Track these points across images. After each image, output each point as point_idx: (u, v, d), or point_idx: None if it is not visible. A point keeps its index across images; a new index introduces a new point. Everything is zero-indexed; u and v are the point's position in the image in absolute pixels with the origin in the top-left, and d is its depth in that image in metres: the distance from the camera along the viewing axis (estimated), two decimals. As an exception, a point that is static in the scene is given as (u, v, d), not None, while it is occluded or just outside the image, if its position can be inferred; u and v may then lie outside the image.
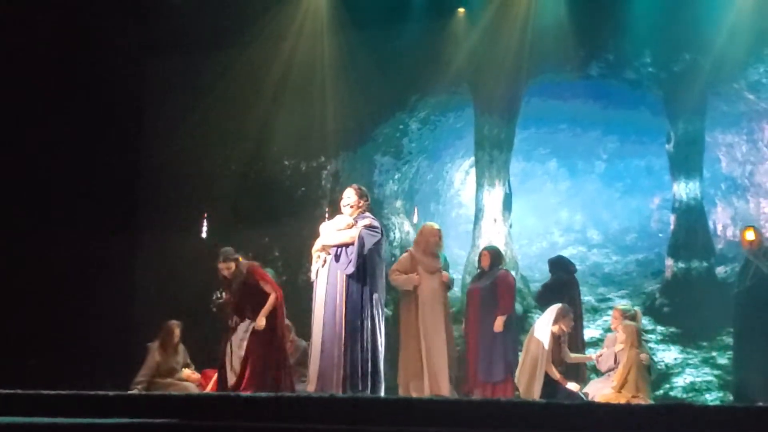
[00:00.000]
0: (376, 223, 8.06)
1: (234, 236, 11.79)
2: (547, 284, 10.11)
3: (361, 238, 7.89)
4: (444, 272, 8.90)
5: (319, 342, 7.94)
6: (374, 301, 7.89)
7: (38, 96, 10.24)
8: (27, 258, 9.92)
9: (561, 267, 10.11)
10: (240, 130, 12.13)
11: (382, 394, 7.80)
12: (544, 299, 9.83)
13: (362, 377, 7.71)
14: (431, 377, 8.59)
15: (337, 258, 7.96)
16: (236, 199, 12.14)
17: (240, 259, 8.76)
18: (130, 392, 8.07)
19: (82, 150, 10.53)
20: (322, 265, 8.08)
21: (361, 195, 8.19)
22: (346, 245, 7.93)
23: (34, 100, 10.19)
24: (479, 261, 9.73)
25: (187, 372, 9.15)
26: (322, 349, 7.88)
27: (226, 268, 8.62)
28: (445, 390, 8.60)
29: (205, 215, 10.99)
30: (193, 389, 8.88)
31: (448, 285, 8.93)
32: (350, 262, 7.87)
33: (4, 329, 9.52)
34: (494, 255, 9.58)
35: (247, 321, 8.51)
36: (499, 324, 9.08)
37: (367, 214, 8.14)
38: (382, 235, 8.08)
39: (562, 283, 9.87)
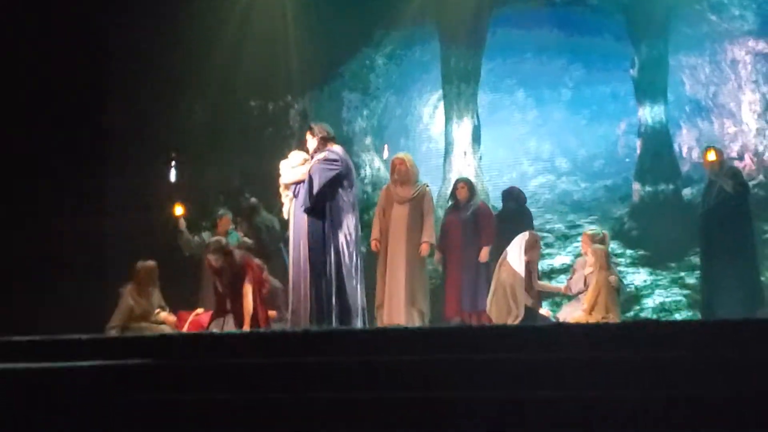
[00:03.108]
0: (332, 156, 7.91)
1: (204, 180, 11.79)
2: (499, 215, 10.16)
3: (310, 174, 7.84)
4: (424, 242, 8.99)
5: (291, 281, 8.00)
6: (339, 235, 7.84)
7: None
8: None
9: (511, 198, 10.15)
10: (204, 73, 12.01)
11: (358, 326, 7.86)
12: (498, 230, 9.86)
13: (327, 311, 7.75)
14: (388, 305, 8.83)
15: (296, 195, 7.95)
16: (204, 143, 12.08)
17: (231, 250, 8.67)
18: (103, 335, 8.07)
19: (49, 98, 10.42)
20: (290, 204, 8.10)
21: (315, 133, 8.10)
22: (302, 182, 7.90)
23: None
24: (453, 193, 9.82)
25: (163, 315, 9.13)
26: (293, 287, 7.94)
27: (215, 260, 8.56)
28: (401, 320, 8.79)
29: (174, 159, 10.93)
30: (169, 332, 8.88)
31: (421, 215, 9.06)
32: (305, 199, 7.84)
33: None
34: (470, 187, 9.77)
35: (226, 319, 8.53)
36: (485, 254, 9.31)
37: (329, 147, 8.03)
38: (345, 167, 7.97)
39: (512, 213, 9.92)
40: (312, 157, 8.02)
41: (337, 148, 8.08)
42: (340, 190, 7.92)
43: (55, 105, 10.56)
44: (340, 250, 7.84)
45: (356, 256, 8.00)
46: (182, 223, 9.99)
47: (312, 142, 8.09)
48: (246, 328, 8.27)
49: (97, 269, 10.31)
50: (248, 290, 8.43)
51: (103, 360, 5.67)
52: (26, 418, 5.09)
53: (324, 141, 8.06)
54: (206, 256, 8.74)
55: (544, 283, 9.33)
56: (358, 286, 7.98)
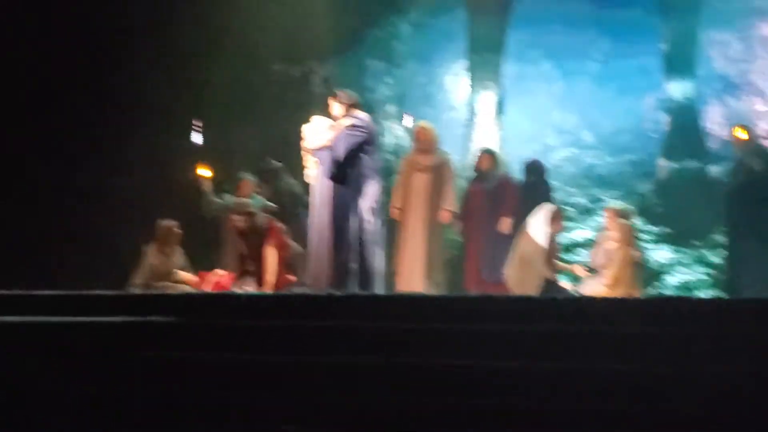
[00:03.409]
0: (358, 123, 7.86)
1: (226, 142, 11.77)
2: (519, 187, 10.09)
3: (335, 141, 7.81)
4: (444, 210, 9.00)
5: (312, 245, 8.00)
6: (362, 201, 7.81)
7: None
8: (18, 161, 9.91)
9: (531, 170, 10.05)
10: (227, 36, 11.96)
11: (378, 292, 7.85)
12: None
13: (348, 276, 7.74)
14: (405, 273, 8.84)
15: (320, 161, 7.92)
16: (225, 106, 12.05)
17: (256, 213, 8.71)
18: (127, 292, 8.11)
19: (70, 53, 10.43)
20: (313, 169, 8.08)
21: (339, 100, 8.04)
22: (327, 148, 7.86)
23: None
24: (476, 164, 9.79)
25: (184, 274, 9.16)
26: (313, 252, 7.93)
27: (239, 221, 8.58)
28: (417, 287, 8.80)
29: (195, 121, 10.92)
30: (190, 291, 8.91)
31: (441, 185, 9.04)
32: (329, 165, 7.81)
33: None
34: (494, 157, 9.79)
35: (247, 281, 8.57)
36: (506, 225, 9.29)
37: (355, 113, 7.99)
38: (370, 134, 7.93)
39: (532, 185, 9.84)
40: (336, 124, 7.98)
41: (362, 115, 8.05)
42: (364, 156, 7.89)
43: (78, 60, 10.57)
44: (363, 216, 7.82)
45: (379, 222, 7.98)
46: (206, 185, 9.99)
47: (337, 108, 8.05)
48: (267, 290, 8.30)
49: (119, 227, 10.33)
50: (271, 253, 8.45)
51: (126, 317, 5.70)
52: (48, 372, 5.12)
53: (349, 107, 8.01)
54: (231, 217, 8.77)
55: (562, 264, 9.27)
56: (380, 252, 7.97)
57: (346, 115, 7.97)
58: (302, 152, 8.21)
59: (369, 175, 7.89)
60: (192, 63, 11.84)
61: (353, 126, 7.85)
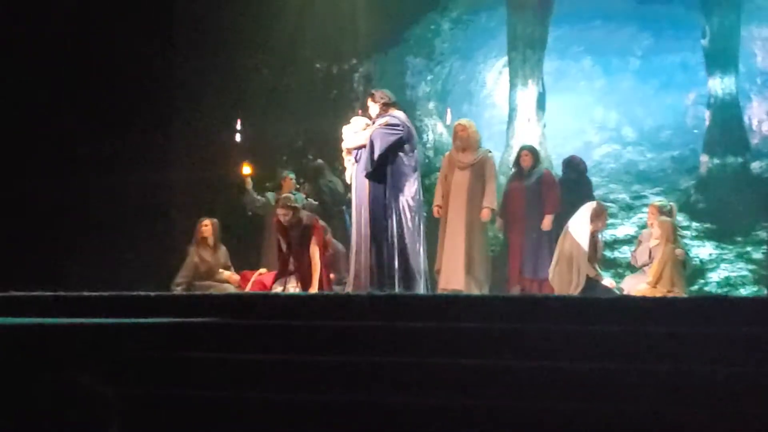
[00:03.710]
0: (394, 121, 7.91)
1: (268, 140, 11.86)
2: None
3: (371, 139, 7.86)
4: (485, 208, 9.00)
5: (353, 244, 8.06)
6: (400, 199, 7.85)
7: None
8: (59, 158, 10.02)
9: (571, 167, 10.03)
10: (270, 33, 12.05)
11: (421, 291, 7.89)
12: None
13: (389, 275, 7.78)
14: (446, 271, 8.85)
15: (358, 160, 7.98)
16: (269, 103, 12.14)
17: (300, 209, 8.78)
18: (171, 293, 8.22)
19: (114, 50, 10.53)
20: (352, 168, 8.15)
21: (376, 99, 8.09)
22: (364, 147, 7.92)
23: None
24: (518, 160, 9.78)
25: (227, 274, 9.25)
26: (355, 251, 7.99)
27: (284, 215, 8.65)
28: (458, 284, 8.80)
29: (239, 118, 11.02)
30: (233, 291, 9.00)
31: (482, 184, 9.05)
32: (366, 164, 7.86)
33: (42, 233, 9.66)
34: (535, 154, 9.76)
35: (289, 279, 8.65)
36: (548, 222, 9.29)
37: (391, 112, 8.02)
38: (407, 132, 7.97)
39: (572, 182, 9.81)
40: (374, 123, 8.04)
41: (398, 113, 8.09)
42: (401, 154, 7.94)
43: (122, 57, 10.65)
44: (402, 214, 7.85)
45: (418, 220, 8.01)
46: (249, 182, 10.08)
47: (373, 107, 8.11)
48: (312, 289, 8.37)
49: (162, 227, 10.43)
50: (315, 251, 8.51)
51: (169, 317, 5.78)
52: (92, 373, 5.20)
53: (385, 106, 8.07)
54: (276, 211, 8.82)
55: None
56: (421, 249, 8.00)
57: (383, 114, 8.02)
58: (342, 152, 8.29)
59: (406, 172, 7.94)
60: (234, 60, 11.92)
61: (388, 124, 7.90)
